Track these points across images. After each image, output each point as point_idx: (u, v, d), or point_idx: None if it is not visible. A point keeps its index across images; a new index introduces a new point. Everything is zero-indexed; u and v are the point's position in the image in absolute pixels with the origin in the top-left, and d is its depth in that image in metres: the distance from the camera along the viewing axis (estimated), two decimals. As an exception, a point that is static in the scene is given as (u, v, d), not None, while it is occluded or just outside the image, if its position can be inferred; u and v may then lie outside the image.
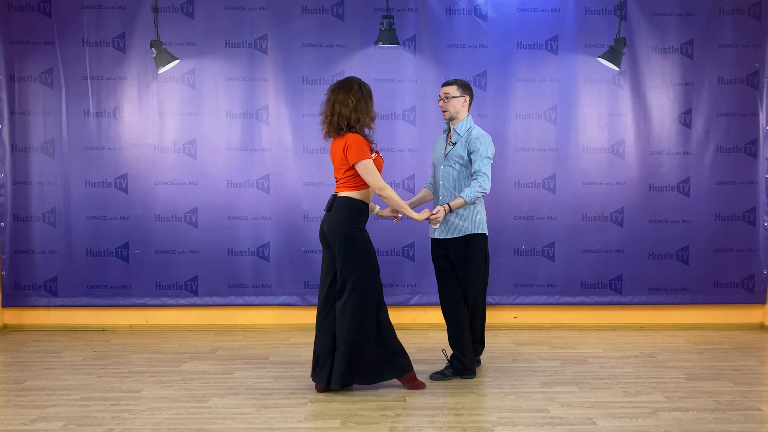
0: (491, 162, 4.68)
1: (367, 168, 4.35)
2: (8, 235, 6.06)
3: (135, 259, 6.11)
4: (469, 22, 6.07)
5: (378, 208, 4.83)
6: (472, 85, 4.94)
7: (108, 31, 5.99)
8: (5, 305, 6.14)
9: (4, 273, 6.09)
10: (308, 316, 5.96)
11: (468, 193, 4.57)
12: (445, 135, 4.86)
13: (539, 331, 6.17)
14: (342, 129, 4.39)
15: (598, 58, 5.95)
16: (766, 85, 6.15)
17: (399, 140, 6.12)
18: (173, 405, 4.27)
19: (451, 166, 4.72)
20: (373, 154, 4.44)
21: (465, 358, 4.76)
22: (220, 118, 6.08)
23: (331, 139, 4.49)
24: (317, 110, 4.55)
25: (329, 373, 4.43)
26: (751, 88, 6.16)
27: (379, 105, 5.17)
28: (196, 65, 6.05)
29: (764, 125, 6.18)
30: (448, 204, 4.58)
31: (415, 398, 4.40)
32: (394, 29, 5.73)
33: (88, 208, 6.06)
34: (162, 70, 5.83)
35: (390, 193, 4.43)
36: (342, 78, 4.67)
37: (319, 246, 5.74)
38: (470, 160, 4.65)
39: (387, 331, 4.47)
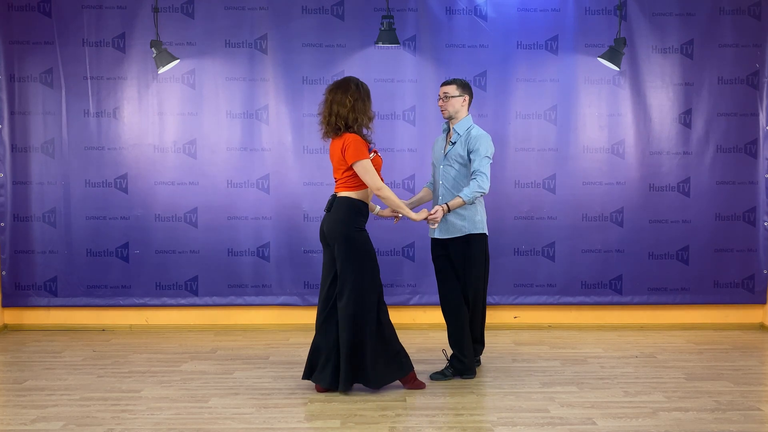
0: (491, 162, 4.67)
1: (365, 168, 4.34)
2: (8, 235, 6.06)
3: (135, 259, 6.11)
4: (469, 22, 6.07)
5: (378, 208, 4.82)
6: (471, 85, 4.94)
7: (108, 31, 5.99)
8: (5, 305, 6.14)
9: (4, 273, 6.09)
10: (308, 316, 5.96)
11: (467, 192, 4.56)
12: (445, 134, 4.86)
13: (539, 331, 6.16)
14: (340, 129, 4.38)
15: (598, 58, 5.95)
16: (766, 85, 6.15)
17: (399, 140, 6.12)
18: (173, 405, 4.27)
19: (451, 166, 4.72)
20: (372, 153, 4.43)
21: (465, 358, 4.76)
22: (220, 118, 6.08)
23: (330, 139, 4.49)
24: (317, 110, 4.54)
25: (331, 374, 4.42)
26: (751, 88, 6.16)
27: (379, 105, 5.18)
28: (196, 65, 6.05)
29: (764, 125, 6.18)
30: (446, 204, 4.57)
31: (415, 398, 4.40)
32: (394, 29, 5.73)
33: (88, 208, 6.06)
34: (162, 70, 5.83)
35: (388, 193, 4.43)
36: (341, 78, 4.67)
37: (319, 246, 5.75)
38: (470, 160, 4.65)
39: (387, 331, 4.46)
